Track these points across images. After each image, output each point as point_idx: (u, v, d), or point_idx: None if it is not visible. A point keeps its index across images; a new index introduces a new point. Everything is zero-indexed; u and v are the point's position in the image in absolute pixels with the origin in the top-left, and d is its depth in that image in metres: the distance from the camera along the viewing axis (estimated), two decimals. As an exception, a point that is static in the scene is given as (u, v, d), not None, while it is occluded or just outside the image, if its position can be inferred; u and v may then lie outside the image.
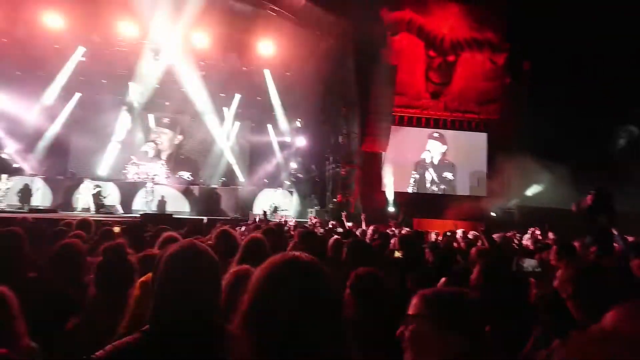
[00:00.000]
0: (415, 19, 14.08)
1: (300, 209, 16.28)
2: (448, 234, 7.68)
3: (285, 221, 11.51)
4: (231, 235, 3.09)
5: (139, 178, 15.21)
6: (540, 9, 12.62)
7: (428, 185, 15.62)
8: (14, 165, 14.17)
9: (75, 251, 2.84)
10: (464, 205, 13.72)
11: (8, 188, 13.21)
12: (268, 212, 14.75)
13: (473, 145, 15.73)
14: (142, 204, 14.27)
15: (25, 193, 13.34)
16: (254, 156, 18.07)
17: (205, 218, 11.14)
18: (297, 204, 16.43)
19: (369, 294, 1.98)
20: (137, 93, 15.75)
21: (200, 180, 16.27)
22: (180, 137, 17.34)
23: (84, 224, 4.67)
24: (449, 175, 15.73)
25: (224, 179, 16.55)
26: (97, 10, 13.28)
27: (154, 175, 15.55)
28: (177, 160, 16.99)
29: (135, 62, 14.72)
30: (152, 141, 16.95)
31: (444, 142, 15.69)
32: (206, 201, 15.00)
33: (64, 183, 14.18)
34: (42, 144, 15.12)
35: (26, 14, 13.17)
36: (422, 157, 15.61)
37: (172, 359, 1.29)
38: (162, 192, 14.73)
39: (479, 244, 5.39)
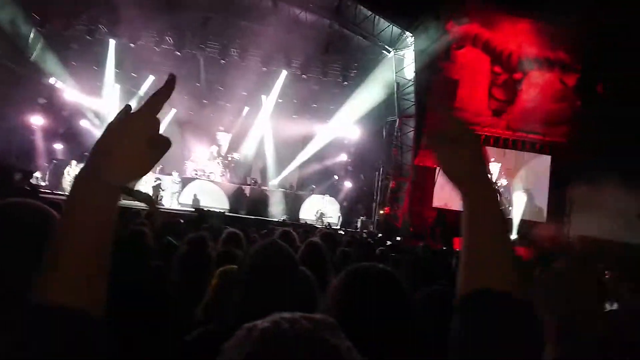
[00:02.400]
0: (482, 33, 13.76)
1: (345, 218, 16.23)
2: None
3: (334, 229, 11.53)
4: (292, 236, 3.30)
5: (196, 174, 15.83)
6: (617, 30, 11.90)
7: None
8: (85, 153, 15.26)
9: (143, 236, 3.00)
10: (519, 230, 13.14)
11: (76, 174, 14.20)
12: (314, 218, 14.91)
13: (533, 168, 15.00)
14: (187, 198, 14.62)
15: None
16: (306, 162, 18.28)
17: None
18: (342, 213, 16.40)
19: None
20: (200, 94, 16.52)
21: (252, 181, 16.66)
22: (229, 135, 17.75)
23: (150, 213, 5.11)
24: (509, 209, 15.10)
25: (274, 181, 16.86)
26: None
27: (210, 172, 16.12)
28: (230, 160, 17.34)
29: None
30: (216, 143, 17.36)
31: (498, 161, 15.15)
32: (255, 202, 15.30)
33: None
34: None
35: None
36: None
37: None
38: (211, 189, 15.12)
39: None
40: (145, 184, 14.17)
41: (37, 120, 14.85)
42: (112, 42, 15.16)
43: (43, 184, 13.23)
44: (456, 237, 12.95)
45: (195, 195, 14.56)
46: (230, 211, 13.78)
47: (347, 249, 4.03)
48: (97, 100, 15.88)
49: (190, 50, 15.41)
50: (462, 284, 0.70)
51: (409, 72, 14.86)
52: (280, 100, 16.95)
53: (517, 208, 14.85)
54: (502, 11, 13.70)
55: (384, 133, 16.67)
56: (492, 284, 0.66)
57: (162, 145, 0.71)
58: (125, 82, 16.37)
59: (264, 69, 15.55)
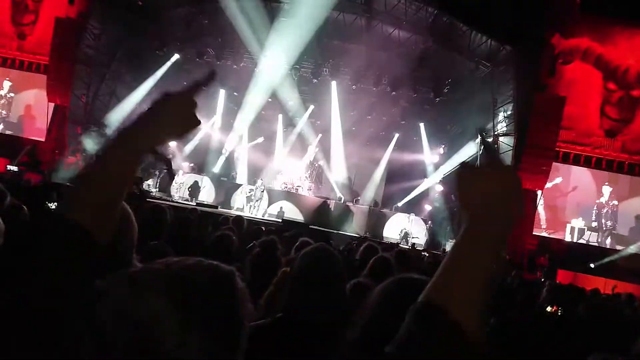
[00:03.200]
0: (593, 47, 12.52)
1: (432, 240, 15.58)
2: (604, 296, 6.49)
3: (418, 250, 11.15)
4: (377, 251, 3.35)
5: (285, 187, 16.56)
6: None
7: (589, 234, 13.48)
8: (191, 165, 16.83)
9: (229, 239, 3.37)
10: (633, 265, 11.59)
11: (182, 182, 15.68)
12: (398, 238, 14.56)
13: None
14: (273, 210, 15.29)
15: (195, 189, 15.65)
16: (391, 180, 18.05)
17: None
18: (429, 234, 15.78)
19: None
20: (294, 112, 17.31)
21: (338, 196, 16.88)
22: (316, 149, 18.20)
23: (238, 220, 5.51)
24: (616, 226, 13.35)
25: (359, 197, 16.87)
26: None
27: (298, 186, 16.73)
28: (317, 174, 17.88)
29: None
30: (300, 157, 18.11)
31: (612, 186, 13.46)
32: (339, 217, 15.47)
33: (226, 185, 16.26)
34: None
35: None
36: (590, 203, 13.53)
37: (297, 343, 1.45)
38: (297, 202, 15.65)
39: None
40: (240, 194, 15.33)
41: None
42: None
43: (153, 190, 14.84)
44: (560, 269, 11.76)
45: (281, 208, 15.31)
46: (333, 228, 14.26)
47: (424, 269, 3.89)
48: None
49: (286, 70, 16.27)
50: (426, 290, 0.67)
51: (508, 88, 13.99)
52: (369, 117, 17.05)
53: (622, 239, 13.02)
54: (617, 23, 12.34)
55: (478, 151, 15.80)
56: (448, 307, 0.62)
57: (195, 123, 0.84)
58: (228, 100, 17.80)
59: (353, 87, 15.79)
